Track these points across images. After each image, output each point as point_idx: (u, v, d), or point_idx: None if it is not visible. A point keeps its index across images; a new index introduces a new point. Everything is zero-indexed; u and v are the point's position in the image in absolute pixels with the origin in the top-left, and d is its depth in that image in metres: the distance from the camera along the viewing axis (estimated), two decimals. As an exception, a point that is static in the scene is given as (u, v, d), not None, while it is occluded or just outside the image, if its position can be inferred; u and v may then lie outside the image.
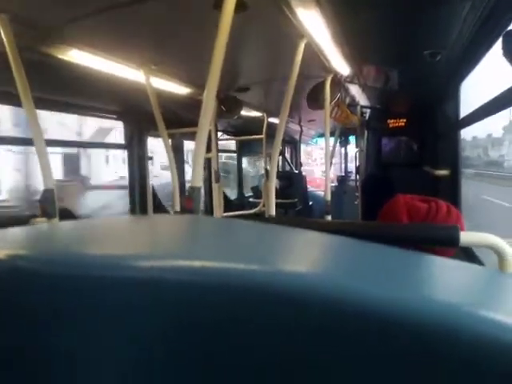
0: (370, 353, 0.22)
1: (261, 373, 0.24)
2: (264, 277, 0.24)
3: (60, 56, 1.43)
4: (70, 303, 0.25)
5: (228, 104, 2.50)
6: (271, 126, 3.13)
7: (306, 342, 0.23)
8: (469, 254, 1.72)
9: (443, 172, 2.98)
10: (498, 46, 1.31)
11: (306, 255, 0.32)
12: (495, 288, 0.28)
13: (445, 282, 0.28)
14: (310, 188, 5.16)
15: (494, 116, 1.69)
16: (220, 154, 2.99)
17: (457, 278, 0.29)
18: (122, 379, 0.25)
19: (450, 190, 2.54)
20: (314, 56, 1.70)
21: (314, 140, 6.25)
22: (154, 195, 2.71)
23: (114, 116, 2.45)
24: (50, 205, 1.23)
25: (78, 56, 1.46)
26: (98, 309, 0.25)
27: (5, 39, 1.12)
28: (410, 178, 2.95)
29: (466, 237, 0.70)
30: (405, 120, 3.97)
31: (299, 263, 0.28)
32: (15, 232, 0.35)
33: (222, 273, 0.25)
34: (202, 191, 2.44)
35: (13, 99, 1.32)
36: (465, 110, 2.28)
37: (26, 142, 1.61)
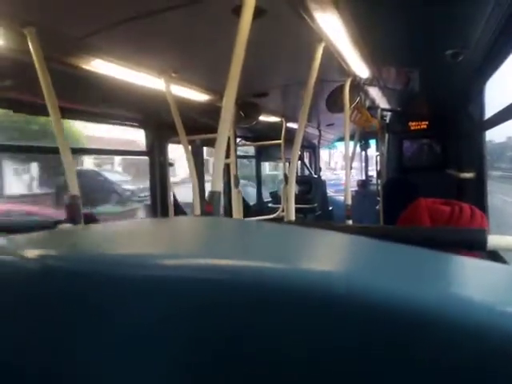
0: (399, 352, 0.21)
1: (280, 374, 0.24)
2: (288, 276, 0.24)
3: (84, 66, 1.48)
4: (99, 300, 0.26)
5: (247, 110, 2.51)
6: (290, 130, 3.13)
7: (329, 340, 0.23)
8: (496, 259, 1.66)
9: (468, 175, 2.90)
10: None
11: (328, 255, 0.32)
12: None
13: (476, 281, 0.28)
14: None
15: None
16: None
17: (487, 278, 0.28)
18: (146, 372, 0.25)
19: (476, 194, 2.46)
20: (332, 59, 1.69)
21: (333, 144, 6.20)
22: (175, 202, 2.74)
23: (136, 124, 2.50)
24: (76, 210, 1.26)
25: (101, 66, 1.51)
26: (124, 305, 0.25)
27: (32, 51, 1.17)
28: (433, 182, 2.88)
29: (494, 240, 0.67)
30: (427, 122, 3.88)
31: (322, 262, 0.28)
32: (44, 234, 0.36)
33: (245, 272, 0.25)
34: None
35: (41, 109, 1.38)
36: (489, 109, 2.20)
37: (52, 150, 1.67)
